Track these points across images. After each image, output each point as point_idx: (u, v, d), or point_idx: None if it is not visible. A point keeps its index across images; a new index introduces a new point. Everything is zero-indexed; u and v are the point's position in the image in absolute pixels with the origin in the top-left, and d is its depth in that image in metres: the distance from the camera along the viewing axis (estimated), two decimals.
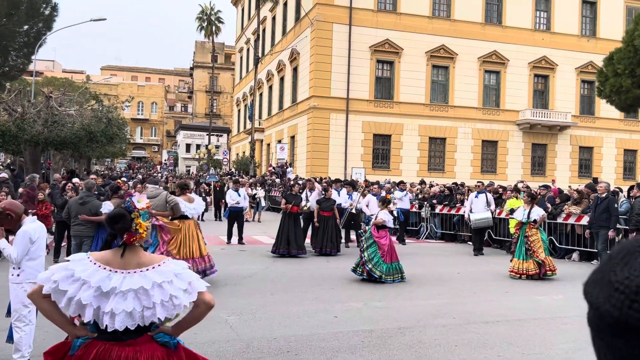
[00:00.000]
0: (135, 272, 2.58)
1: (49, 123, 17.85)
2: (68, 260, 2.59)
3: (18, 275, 4.95)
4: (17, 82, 30.95)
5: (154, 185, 10.35)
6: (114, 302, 2.51)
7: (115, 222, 2.61)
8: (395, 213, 13.52)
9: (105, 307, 2.50)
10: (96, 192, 10.32)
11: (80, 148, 21.38)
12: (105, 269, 2.54)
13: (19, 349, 4.96)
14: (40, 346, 5.56)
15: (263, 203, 23.52)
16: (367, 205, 13.82)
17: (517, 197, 14.36)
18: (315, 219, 13.24)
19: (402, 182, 17.53)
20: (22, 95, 19.97)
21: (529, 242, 10.38)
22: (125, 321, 2.52)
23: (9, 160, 32.91)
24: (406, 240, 15.90)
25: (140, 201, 2.68)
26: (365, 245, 9.69)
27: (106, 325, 2.51)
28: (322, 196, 13.81)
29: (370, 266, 9.48)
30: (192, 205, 9.23)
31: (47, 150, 22.89)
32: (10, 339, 5.15)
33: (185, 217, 8.99)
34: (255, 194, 22.38)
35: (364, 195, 14.66)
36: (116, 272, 2.56)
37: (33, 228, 4.95)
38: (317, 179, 20.14)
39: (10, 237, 5.07)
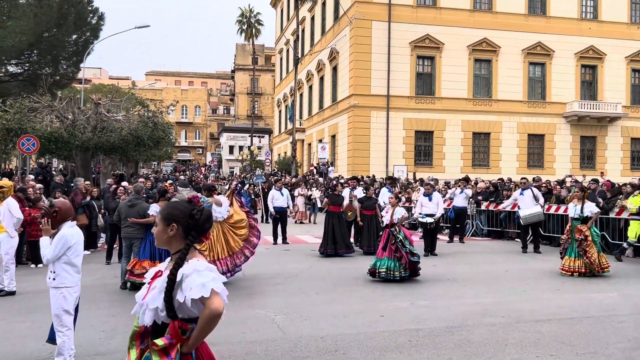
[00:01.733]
0: None
1: (98, 129, 18.44)
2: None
3: (54, 279, 4.93)
4: (66, 90, 32.16)
5: (185, 188, 10.46)
6: None
7: (208, 222, 2.68)
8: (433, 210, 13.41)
9: None
10: (145, 195, 10.58)
11: (128, 152, 21.93)
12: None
13: (62, 352, 4.96)
14: (99, 345, 5.77)
15: (319, 204, 22.18)
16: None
17: None
18: (359, 218, 13.26)
19: (463, 178, 17.25)
20: (72, 102, 20.68)
21: (581, 242, 9.99)
22: None
23: (61, 166, 34.19)
24: (454, 238, 15.69)
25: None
26: (407, 244, 9.44)
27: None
28: (364, 195, 13.80)
29: (416, 259, 9.44)
30: (219, 208, 9.18)
31: (96, 155, 23.64)
32: (51, 339, 5.17)
33: None
34: (311, 195, 22.09)
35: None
36: None
37: (71, 233, 4.95)
38: (361, 177, 20.15)
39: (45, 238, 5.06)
